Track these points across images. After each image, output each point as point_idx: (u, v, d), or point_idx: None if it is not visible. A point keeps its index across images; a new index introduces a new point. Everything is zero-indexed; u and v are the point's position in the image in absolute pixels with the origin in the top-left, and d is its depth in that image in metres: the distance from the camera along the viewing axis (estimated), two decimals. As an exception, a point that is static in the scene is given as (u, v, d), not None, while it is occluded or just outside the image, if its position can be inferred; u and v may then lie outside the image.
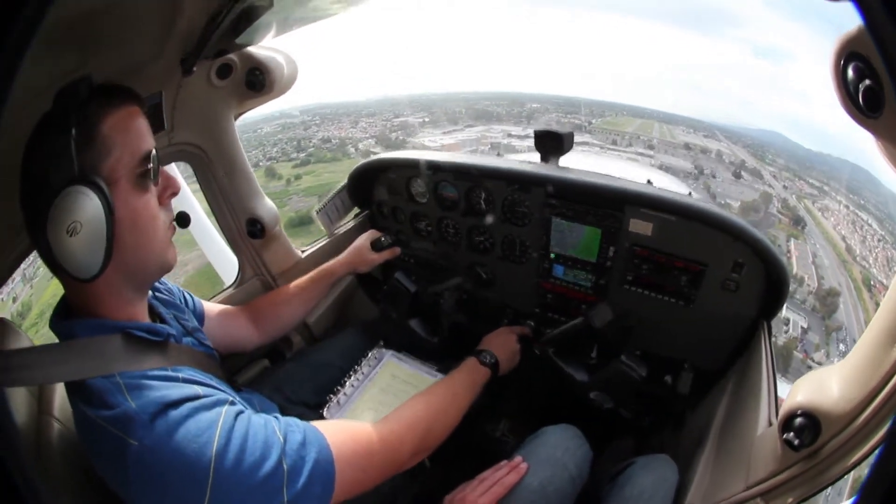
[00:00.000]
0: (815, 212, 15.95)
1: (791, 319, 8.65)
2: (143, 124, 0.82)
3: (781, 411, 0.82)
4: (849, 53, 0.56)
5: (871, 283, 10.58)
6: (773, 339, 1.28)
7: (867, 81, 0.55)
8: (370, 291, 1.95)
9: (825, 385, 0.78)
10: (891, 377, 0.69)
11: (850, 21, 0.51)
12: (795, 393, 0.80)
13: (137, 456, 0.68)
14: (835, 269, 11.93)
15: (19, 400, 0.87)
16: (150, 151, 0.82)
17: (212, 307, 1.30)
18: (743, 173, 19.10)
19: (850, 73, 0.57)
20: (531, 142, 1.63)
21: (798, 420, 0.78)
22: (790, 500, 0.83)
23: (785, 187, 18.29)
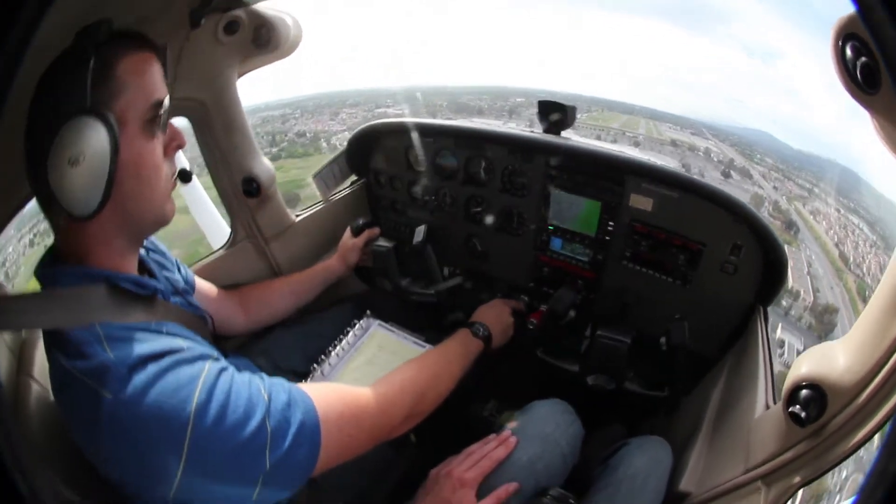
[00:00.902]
0: (806, 215, 15.57)
1: (786, 342, 7.91)
2: (157, 71, 0.81)
3: (786, 384, 0.80)
4: (846, 34, 0.58)
5: (867, 293, 10.14)
6: (769, 324, 1.25)
7: (864, 58, 0.57)
8: (366, 278, 1.93)
9: (830, 357, 0.75)
10: None
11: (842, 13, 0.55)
12: (800, 365, 0.78)
13: (112, 410, 0.64)
14: (829, 278, 11.43)
15: None
16: (163, 99, 0.80)
17: (202, 283, 1.27)
18: (732, 172, 18.70)
19: (848, 51, 0.58)
20: None
21: (803, 392, 0.75)
22: (795, 480, 0.80)
23: (775, 188, 17.95)
